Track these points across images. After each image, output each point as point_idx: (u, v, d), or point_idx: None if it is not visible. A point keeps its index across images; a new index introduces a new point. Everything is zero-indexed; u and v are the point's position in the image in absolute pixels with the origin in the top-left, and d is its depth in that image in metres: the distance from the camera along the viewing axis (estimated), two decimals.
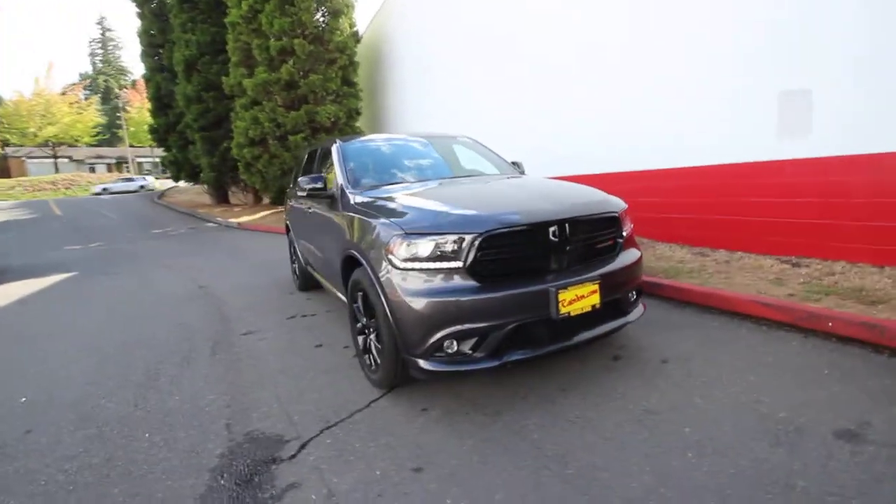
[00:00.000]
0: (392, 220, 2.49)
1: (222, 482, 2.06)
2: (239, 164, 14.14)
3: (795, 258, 4.36)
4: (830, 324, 3.01)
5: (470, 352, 2.33)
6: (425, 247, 2.31)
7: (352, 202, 3.08)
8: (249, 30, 12.97)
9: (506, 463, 2.02)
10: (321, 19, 13.11)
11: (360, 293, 2.84)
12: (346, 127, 14.23)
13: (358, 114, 14.17)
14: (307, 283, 5.25)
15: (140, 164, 50.23)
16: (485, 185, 3.28)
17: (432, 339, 2.29)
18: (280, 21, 12.29)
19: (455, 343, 2.31)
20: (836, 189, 4.03)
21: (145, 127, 30.26)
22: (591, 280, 2.45)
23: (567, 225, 2.47)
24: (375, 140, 3.98)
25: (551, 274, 2.44)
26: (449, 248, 2.29)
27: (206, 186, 19.32)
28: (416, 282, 2.31)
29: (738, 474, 1.83)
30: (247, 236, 11.29)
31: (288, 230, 5.72)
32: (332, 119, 13.41)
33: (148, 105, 24.43)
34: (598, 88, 6.34)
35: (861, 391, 2.35)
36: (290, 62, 12.71)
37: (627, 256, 2.78)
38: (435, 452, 2.13)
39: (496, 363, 2.31)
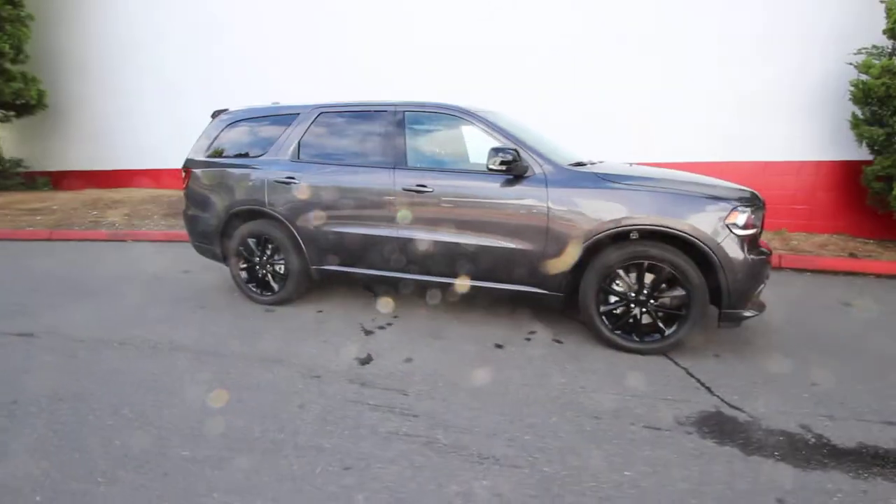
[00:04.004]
0: (713, 194, 2.79)
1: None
2: None
3: None
4: None
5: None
6: (744, 217, 2.80)
7: (595, 178, 2.97)
8: None
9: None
10: None
11: (628, 267, 2.90)
12: (12, 69, 9.24)
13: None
14: (299, 289, 3.87)
15: None
16: (667, 170, 3.60)
17: (756, 291, 2.84)
18: None
19: None
20: None
21: None
22: None
23: None
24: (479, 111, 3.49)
25: None
26: (755, 218, 2.86)
27: None
28: (749, 245, 2.78)
29: None
30: None
31: (222, 224, 3.92)
32: None
33: None
34: None
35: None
36: None
37: None
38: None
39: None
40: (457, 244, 3.24)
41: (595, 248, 2.96)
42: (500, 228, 3.13)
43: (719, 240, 2.73)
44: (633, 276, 2.93)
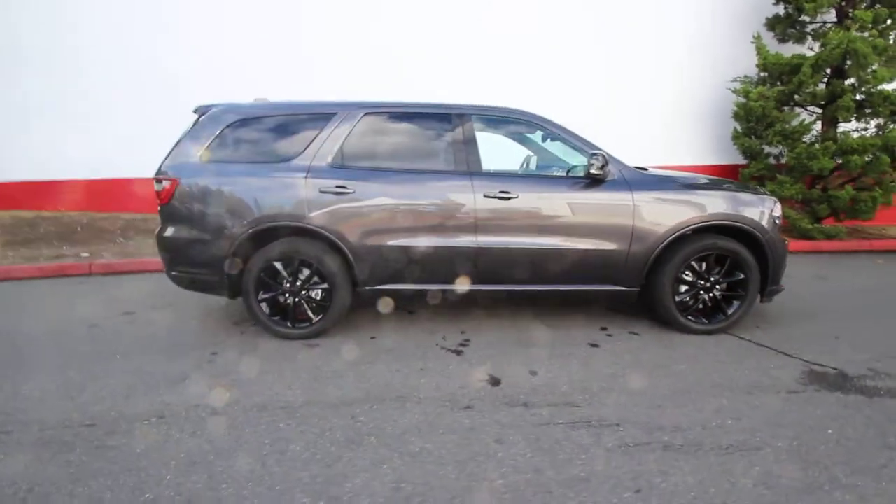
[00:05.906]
0: (757, 191, 3.33)
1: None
2: None
3: None
4: None
5: None
6: (779, 209, 3.41)
7: (670, 181, 3.32)
8: None
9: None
10: None
11: (706, 255, 3.26)
12: None
13: None
14: (341, 316, 3.36)
15: None
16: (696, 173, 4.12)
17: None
18: None
19: None
20: None
21: None
22: None
23: None
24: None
25: None
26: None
27: None
28: (780, 233, 3.40)
29: None
30: None
31: (235, 246, 3.17)
32: None
33: None
34: None
35: None
36: None
37: None
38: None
39: None
40: (544, 249, 3.23)
41: (672, 245, 3.26)
42: (588, 230, 3.23)
43: (770, 230, 3.29)
44: (700, 265, 3.32)
